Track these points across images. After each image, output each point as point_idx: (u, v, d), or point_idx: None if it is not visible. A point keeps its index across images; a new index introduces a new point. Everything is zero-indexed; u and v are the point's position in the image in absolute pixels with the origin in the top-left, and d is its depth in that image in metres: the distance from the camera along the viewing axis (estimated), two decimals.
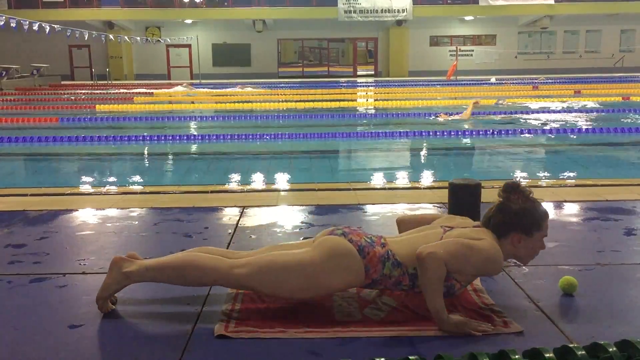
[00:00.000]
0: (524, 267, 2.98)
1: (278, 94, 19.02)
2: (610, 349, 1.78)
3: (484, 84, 21.73)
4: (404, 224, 2.79)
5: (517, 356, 1.77)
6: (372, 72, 30.59)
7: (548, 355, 1.77)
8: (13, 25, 13.07)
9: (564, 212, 4.18)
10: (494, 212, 2.49)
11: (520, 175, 7.00)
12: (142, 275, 2.46)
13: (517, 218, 2.42)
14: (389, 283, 2.43)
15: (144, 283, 2.55)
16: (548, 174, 7.12)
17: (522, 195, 2.46)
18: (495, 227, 2.47)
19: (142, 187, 6.25)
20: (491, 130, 10.09)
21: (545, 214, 2.47)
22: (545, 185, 5.48)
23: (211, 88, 21.87)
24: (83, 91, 20.84)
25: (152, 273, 2.47)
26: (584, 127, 10.67)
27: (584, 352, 1.77)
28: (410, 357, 1.79)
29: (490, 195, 4.38)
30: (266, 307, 2.50)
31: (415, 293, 2.47)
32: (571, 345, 1.82)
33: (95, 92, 20.53)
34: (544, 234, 2.48)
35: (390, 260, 2.40)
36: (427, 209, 4.29)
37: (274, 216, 4.09)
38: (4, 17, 12.69)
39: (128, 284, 2.49)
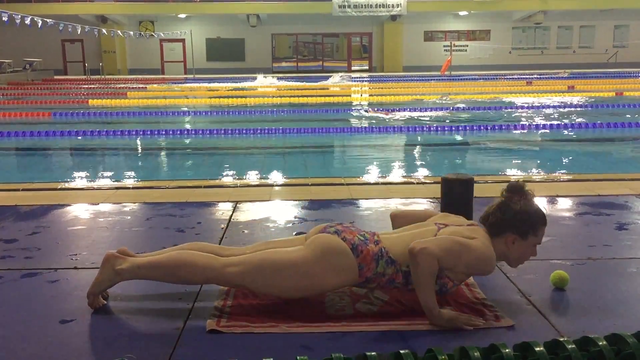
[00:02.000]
0: None
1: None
2: (600, 343, 1.79)
3: (480, 78, 21.74)
4: (398, 219, 2.78)
5: (507, 350, 1.78)
6: (367, 67, 30.57)
7: (538, 349, 1.78)
8: (5, 19, 12.99)
9: (556, 206, 4.19)
10: (494, 209, 2.48)
11: (513, 170, 7.03)
12: (134, 273, 2.45)
13: (516, 219, 2.42)
14: (383, 281, 2.42)
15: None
16: (541, 169, 7.15)
17: (525, 197, 2.45)
18: (492, 225, 2.47)
19: (134, 182, 6.23)
20: (485, 126, 10.11)
21: (544, 220, 2.47)
22: (537, 180, 5.50)
23: (232, 82, 21.80)
24: (76, 86, 20.72)
25: (144, 271, 2.46)
26: (577, 122, 10.71)
27: (574, 346, 1.78)
28: (401, 352, 1.79)
29: (482, 190, 4.40)
30: (258, 302, 2.49)
31: (408, 290, 2.46)
32: (561, 339, 1.83)
33: (91, 86, 20.42)
34: (538, 241, 2.47)
35: (384, 258, 2.39)
36: (420, 203, 4.30)
37: (267, 211, 4.09)
38: None
39: (119, 281, 2.48)
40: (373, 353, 1.79)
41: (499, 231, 2.45)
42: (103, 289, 2.47)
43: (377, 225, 3.62)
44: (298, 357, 1.78)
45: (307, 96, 15.83)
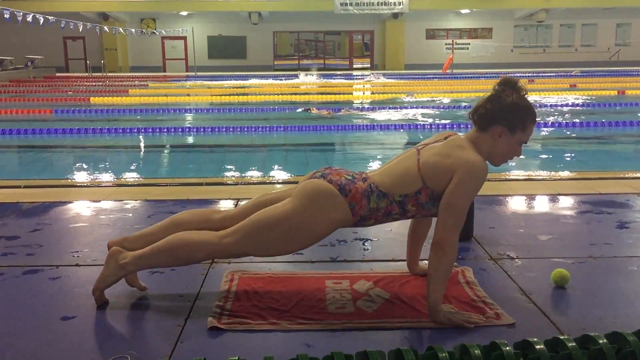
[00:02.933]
0: (516, 260, 2.99)
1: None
2: (601, 341, 1.79)
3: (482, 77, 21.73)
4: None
5: (507, 348, 1.78)
6: (368, 65, 30.54)
7: (539, 347, 1.78)
8: (7, 16, 12.98)
9: (557, 205, 4.19)
10: (484, 102, 2.41)
11: (513, 168, 7.02)
12: (136, 264, 2.45)
13: (506, 111, 2.34)
14: (379, 216, 2.38)
15: (138, 275, 2.55)
16: (542, 167, 7.14)
17: (518, 91, 2.38)
18: (480, 117, 2.39)
19: (136, 180, 6.24)
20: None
21: (534, 117, 2.39)
22: (538, 178, 5.50)
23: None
24: (77, 83, 20.73)
25: (146, 261, 2.45)
26: (579, 120, 10.69)
27: (574, 344, 1.78)
28: (402, 349, 1.80)
29: (482, 189, 4.39)
30: (259, 300, 2.49)
31: (407, 218, 2.44)
32: (562, 337, 1.83)
33: (92, 84, 20.43)
34: (525, 139, 2.40)
35: (374, 193, 2.35)
36: None
37: None
38: None
39: (124, 275, 2.48)
40: (374, 350, 1.79)
41: (488, 124, 2.37)
42: (109, 284, 2.46)
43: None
44: (298, 355, 1.79)
45: (341, 93, 15.82)
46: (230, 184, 5.22)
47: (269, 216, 2.36)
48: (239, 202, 4.24)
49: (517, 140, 2.40)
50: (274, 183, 5.18)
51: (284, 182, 5.31)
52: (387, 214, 2.39)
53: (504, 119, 2.36)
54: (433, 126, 10.42)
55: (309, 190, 2.35)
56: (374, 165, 7.41)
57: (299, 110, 12.29)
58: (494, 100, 2.38)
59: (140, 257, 2.45)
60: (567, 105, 13.36)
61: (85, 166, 7.76)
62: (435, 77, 22.29)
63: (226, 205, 4.20)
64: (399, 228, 3.43)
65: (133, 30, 25.16)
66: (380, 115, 11.96)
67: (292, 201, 2.37)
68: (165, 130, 10.28)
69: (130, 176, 6.74)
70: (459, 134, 2.50)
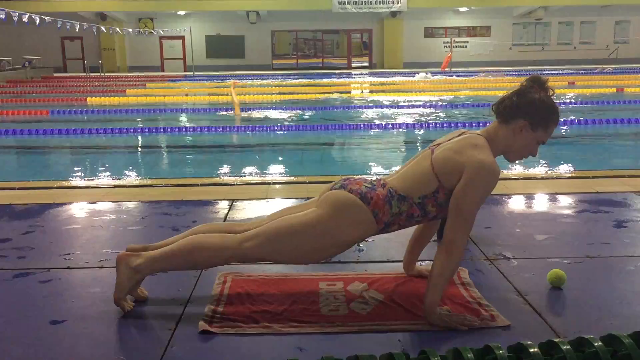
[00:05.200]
0: (512, 261, 2.96)
1: None
2: (596, 344, 1.76)
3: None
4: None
5: (501, 351, 1.75)
6: (367, 64, 30.51)
7: (533, 350, 1.75)
8: (2, 16, 12.94)
9: (554, 204, 4.16)
10: (510, 94, 2.38)
11: (511, 167, 6.99)
12: (151, 267, 2.40)
13: (532, 106, 2.31)
14: (402, 220, 2.36)
15: None
16: (539, 166, 7.11)
17: (546, 90, 2.35)
18: (505, 108, 2.35)
19: (131, 180, 6.21)
20: (485, 123, 10.07)
21: (558, 118, 2.36)
22: (536, 177, 5.47)
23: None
24: (74, 84, 20.69)
25: (161, 264, 2.41)
26: (577, 118, 10.67)
27: (569, 347, 1.75)
28: (393, 353, 1.77)
29: None
30: (252, 304, 2.46)
31: (429, 220, 2.41)
32: (556, 340, 1.80)
33: (90, 84, 20.38)
34: (544, 139, 2.37)
35: (394, 197, 2.33)
36: None
37: (263, 209, 4.06)
38: None
39: (140, 279, 2.43)
40: (365, 354, 1.76)
41: (511, 116, 2.33)
42: (127, 290, 2.41)
43: None
44: (289, 359, 1.76)
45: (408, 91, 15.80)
46: (226, 185, 5.19)
47: (293, 223, 2.33)
48: (233, 203, 4.21)
49: (536, 138, 2.36)
50: (269, 183, 5.14)
51: (281, 183, 5.28)
52: (410, 217, 2.37)
53: (528, 113, 2.32)
54: (431, 125, 10.39)
55: (333, 200, 2.34)
56: (374, 166, 7.38)
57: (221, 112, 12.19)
58: (521, 94, 2.35)
59: (155, 259, 2.40)
60: (565, 103, 13.33)
61: (80, 167, 7.72)
62: (434, 75, 22.24)
63: (221, 206, 4.17)
64: None
65: (131, 30, 25.11)
66: (380, 115, 11.94)
67: (316, 210, 2.35)
68: (162, 130, 10.25)
69: (126, 177, 6.70)
70: (474, 131, 2.45)
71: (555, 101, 2.37)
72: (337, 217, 2.30)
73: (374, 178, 2.47)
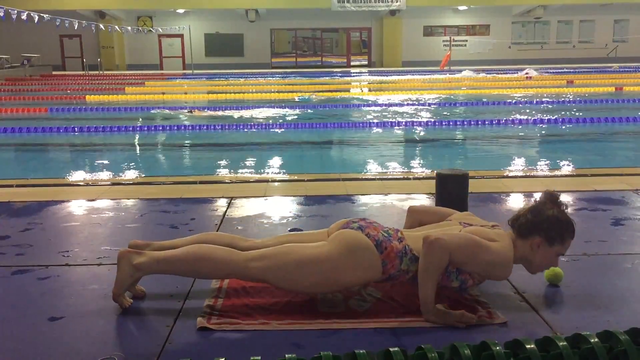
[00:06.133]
0: None
1: None
2: (592, 340, 1.77)
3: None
4: (416, 214, 2.77)
5: (498, 347, 1.76)
6: (366, 63, 30.49)
7: (529, 346, 1.76)
8: (1, 14, 12.93)
9: None
10: (526, 211, 2.48)
11: (509, 166, 7.00)
12: (152, 267, 2.41)
13: (547, 223, 2.41)
14: (406, 278, 2.41)
15: None
16: (538, 164, 7.12)
17: (559, 207, 2.46)
18: (521, 226, 2.45)
19: (129, 178, 6.21)
20: (483, 121, 10.08)
21: (573, 232, 2.46)
22: (534, 175, 5.48)
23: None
24: (73, 81, 20.66)
25: (163, 266, 2.41)
26: (575, 117, 10.68)
27: (565, 343, 1.76)
28: (391, 349, 1.77)
29: (477, 186, 4.38)
30: (250, 300, 2.47)
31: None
32: (553, 336, 1.80)
33: (88, 82, 20.36)
34: (563, 252, 2.46)
35: (407, 256, 2.37)
36: (417, 199, 4.27)
37: (262, 207, 4.06)
38: None
39: (140, 276, 2.44)
40: (362, 351, 1.77)
41: (527, 233, 2.43)
42: (126, 287, 2.42)
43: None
44: (287, 355, 1.76)
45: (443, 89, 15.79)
46: (224, 182, 5.19)
47: (302, 253, 2.34)
48: (232, 201, 4.21)
49: (555, 252, 2.44)
50: (268, 181, 5.15)
51: (279, 181, 5.28)
52: (414, 278, 2.39)
53: (543, 230, 2.41)
54: (429, 123, 10.39)
55: (348, 239, 2.36)
56: (370, 167, 7.38)
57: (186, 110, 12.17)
58: (535, 212, 2.45)
59: (158, 261, 2.40)
60: (564, 101, 13.34)
61: (78, 165, 7.72)
62: (433, 74, 22.24)
63: (219, 204, 4.17)
64: (394, 225, 3.40)
65: (130, 28, 25.07)
66: (378, 113, 11.94)
67: (328, 245, 2.36)
68: (161, 128, 10.24)
69: (124, 175, 6.70)
70: (504, 230, 2.53)
71: (569, 216, 2.47)
72: (348, 256, 2.32)
73: (392, 228, 2.50)
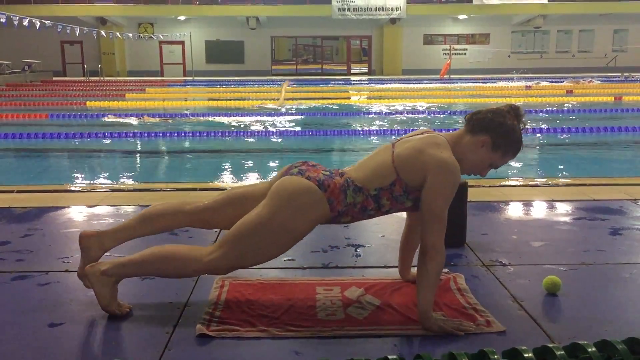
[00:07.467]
0: (509, 267, 2.98)
1: None
2: (590, 349, 1.78)
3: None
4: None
5: (496, 356, 1.77)
6: (366, 71, 30.59)
7: (527, 355, 1.77)
8: (3, 20, 12.98)
9: (550, 211, 4.19)
10: (486, 110, 2.46)
11: (508, 174, 7.02)
12: (119, 272, 2.40)
13: (502, 129, 2.38)
14: (355, 212, 2.38)
15: (125, 282, 2.51)
16: (536, 173, 7.14)
17: (520, 121, 2.44)
18: (477, 121, 2.42)
19: (130, 184, 6.22)
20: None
21: (517, 152, 2.46)
22: (533, 184, 5.49)
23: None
24: (74, 87, 20.71)
25: (130, 269, 2.42)
26: (575, 126, 10.71)
27: (562, 352, 1.77)
28: (389, 357, 1.78)
29: (476, 194, 4.39)
30: (249, 308, 2.48)
31: (383, 214, 2.44)
32: (550, 345, 1.81)
33: (89, 88, 20.41)
34: (497, 164, 2.45)
35: (350, 188, 2.35)
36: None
37: None
38: None
39: (114, 282, 2.42)
40: (361, 359, 1.78)
41: (479, 130, 2.40)
42: (109, 296, 2.39)
43: (371, 228, 3.60)
44: None
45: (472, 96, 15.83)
46: (224, 189, 5.20)
47: (247, 224, 2.33)
48: None
49: (491, 159, 2.44)
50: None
51: None
52: (363, 209, 2.38)
53: (495, 133, 2.39)
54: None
55: (286, 187, 2.33)
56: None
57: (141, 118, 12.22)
58: (497, 114, 2.43)
59: (123, 265, 2.41)
60: (563, 111, 13.39)
61: (79, 171, 7.73)
62: (433, 83, 22.32)
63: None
64: (392, 234, 3.42)
65: (130, 34, 25.16)
66: (377, 121, 11.97)
67: (267, 204, 2.33)
68: (161, 134, 10.26)
69: (124, 181, 6.72)
70: (437, 132, 2.51)
71: (521, 135, 2.44)
72: (292, 204, 2.30)
73: (333, 168, 2.49)
